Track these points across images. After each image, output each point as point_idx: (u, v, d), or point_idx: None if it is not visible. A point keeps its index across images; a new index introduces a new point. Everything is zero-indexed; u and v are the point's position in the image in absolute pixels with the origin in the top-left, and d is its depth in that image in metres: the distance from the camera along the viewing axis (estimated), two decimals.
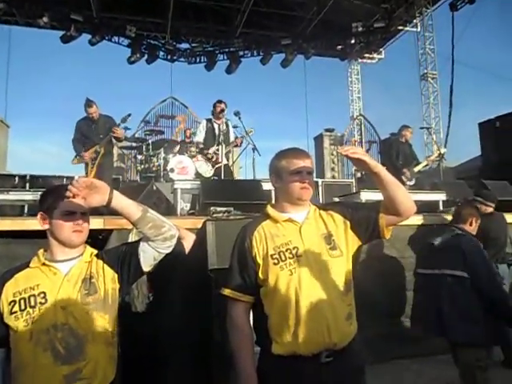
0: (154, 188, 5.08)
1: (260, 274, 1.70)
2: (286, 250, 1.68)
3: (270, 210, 1.81)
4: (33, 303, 1.56)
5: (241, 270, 1.72)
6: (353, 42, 12.66)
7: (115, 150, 11.77)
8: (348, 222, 1.76)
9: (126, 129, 10.12)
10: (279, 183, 1.80)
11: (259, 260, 1.70)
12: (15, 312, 1.55)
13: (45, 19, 10.35)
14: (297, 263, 1.66)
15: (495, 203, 4.49)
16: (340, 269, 1.70)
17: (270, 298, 1.67)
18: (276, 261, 1.67)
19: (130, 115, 6.02)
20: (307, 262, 1.66)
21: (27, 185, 5.87)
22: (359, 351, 1.74)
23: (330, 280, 1.67)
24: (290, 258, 1.67)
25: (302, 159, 1.76)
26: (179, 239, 2.64)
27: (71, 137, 6.15)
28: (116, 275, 1.66)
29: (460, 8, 10.55)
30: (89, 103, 5.98)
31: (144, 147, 8.03)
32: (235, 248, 1.78)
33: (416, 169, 6.81)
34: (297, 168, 1.74)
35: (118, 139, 6.20)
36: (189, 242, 2.83)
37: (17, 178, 6.02)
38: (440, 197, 5.37)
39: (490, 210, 4.43)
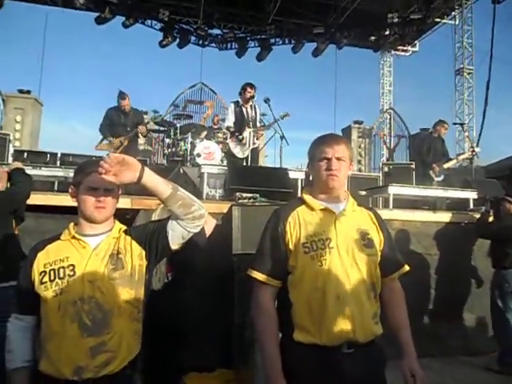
0: (181, 171, 5.11)
1: (290, 261, 1.67)
2: (319, 240, 1.65)
3: (306, 196, 1.78)
4: (62, 275, 1.58)
5: (272, 253, 1.70)
6: (387, 33, 12.35)
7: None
8: (382, 243, 1.76)
9: (155, 112, 10.29)
10: (311, 170, 1.79)
11: (291, 246, 1.67)
12: (45, 282, 1.58)
13: (81, 0, 10.49)
14: (328, 254, 1.63)
15: None
16: (371, 267, 1.68)
17: (297, 287, 1.65)
18: (307, 249, 1.64)
19: (160, 115, 6.50)
20: (339, 254, 1.63)
21: (58, 162, 6.01)
22: (381, 347, 1.71)
23: (360, 276, 1.64)
24: (321, 248, 1.63)
25: (332, 146, 1.73)
26: None
27: (100, 119, 6.32)
28: (143, 252, 1.67)
29: (503, 1, 10.13)
30: (122, 95, 6.25)
31: (172, 131, 8.06)
32: (267, 231, 1.75)
33: (446, 165, 6.65)
34: (324, 155, 1.72)
35: (142, 135, 6.54)
36: (210, 226, 2.85)
37: (48, 156, 6.18)
38: (471, 195, 5.23)
39: None
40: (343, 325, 1.58)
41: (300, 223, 1.69)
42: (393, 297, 1.79)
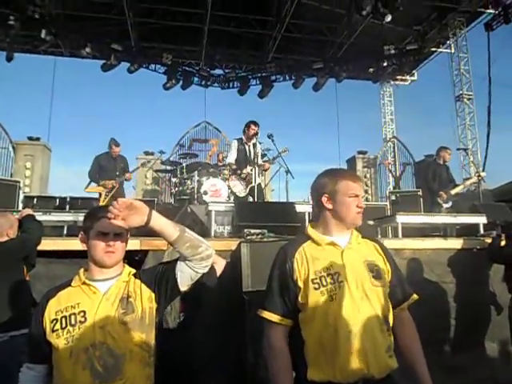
0: (189, 210, 5.15)
1: (300, 298, 1.65)
2: (328, 275, 1.63)
3: (311, 231, 1.78)
4: (73, 322, 1.59)
5: (281, 292, 1.68)
6: (385, 64, 12.61)
7: (149, 174, 12.21)
8: (390, 274, 1.76)
9: (162, 153, 10.47)
10: (332, 205, 1.75)
11: (300, 283, 1.66)
12: (57, 330, 1.59)
13: (87, 50, 10.91)
14: (338, 289, 1.61)
15: None
16: (381, 298, 1.65)
17: (309, 324, 1.63)
18: (317, 285, 1.62)
19: (149, 162, 7.32)
20: (348, 288, 1.61)
21: (67, 206, 6.09)
22: (397, 382, 1.66)
23: (372, 309, 1.61)
24: (331, 283, 1.62)
25: (357, 182, 1.76)
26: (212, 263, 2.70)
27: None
28: (153, 295, 1.67)
29: (496, 28, 10.38)
30: (117, 143, 6.93)
31: (178, 170, 8.18)
32: (275, 269, 1.74)
33: (453, 191, 6.62)
34: (355, 192, 1.73)
35: (127, 180, 7.20)
36: (220, 266, 2.86)
37: (58, 200, 6.27)
38: (480, 220, 5.17)
39: None
40: (357, 361, 1.54)
41: (307, 259, 1.68)
42: (404, 328, 1.76)
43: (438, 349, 4.08)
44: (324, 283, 1.62)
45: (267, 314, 1.68)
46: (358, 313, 1.59)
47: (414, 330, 1.78)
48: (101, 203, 6.29)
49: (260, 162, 6.64)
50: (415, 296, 1.81)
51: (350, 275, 1.63)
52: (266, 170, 6.69)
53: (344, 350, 1.54)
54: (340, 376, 1.54)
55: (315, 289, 1.62)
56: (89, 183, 6.81)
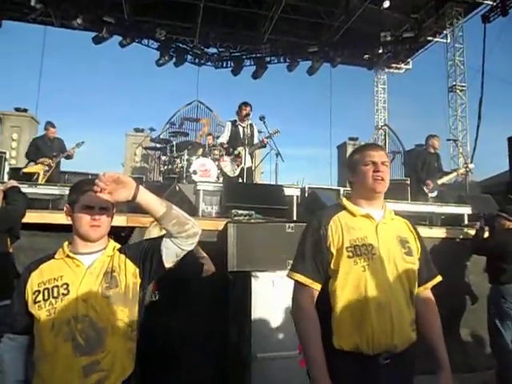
0: (177, 188, 5.13)
1: (332, 265, 1.67)
2: (362, 246, 1.65)
3: (346, 202, 1.79)
4: (56, 294, 1.58)
5: (314, 256, 1.69)
6: (380, 51, 12.57)
7: (139, 151, 12.10)
8: (419, 252, 1.79)
9: (152, 130, 10.36)
10: (354, 177, 1.79)
11: (333, 250, 1.67)
12: (39, 301, 1.58)
13: (79, 21, 10.66)
14: (370, 260, 1.63)
15: None
16: (410, 275, 1.69)
17: (338, 291, 1.64)
18: (351, 254, 1.64)
19: (83, 142, 7.26)
20: (381, 261, 1.64)
21: None
22: (413, 358, 1.72)
23: (401, 283, 1.65)
24: (364, 253, 1.64)
25: (377, 150, 1.76)
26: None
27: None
28: (137, 270, 1.67)
29: (492, 20, 10.36)
30: (53, 125, 7.18)
31: (168, 148, 8.12)
32: (308, 234, 1.74)
33: (440, 181, 6.68)
34: (371, 159, 1.73)
35: (70, 157, 7.23)
36: (208, 270, 2.91)
37: None
38: (465, 210, 5.26)
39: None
40: (384, 332, 1.59)
41: (342, 227, 1.69)
42: (426, 306, 1.80)
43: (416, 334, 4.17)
44: (358, 252, 1.64)
45: (298, 277, 1.69)
46: (388, 286, 1.62)
47: (435, 310, 1.82)
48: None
49: (256, 141, 6.64)
50: (439, 277, 1.85)
51: (383, 249, 1.66)
52: (263, 147, 6.66)
53: (372, 320, 1.59)
54: (366, 345, 1.58)
55: (349, 257, 1.64)
56: (27, 164, 7.02)
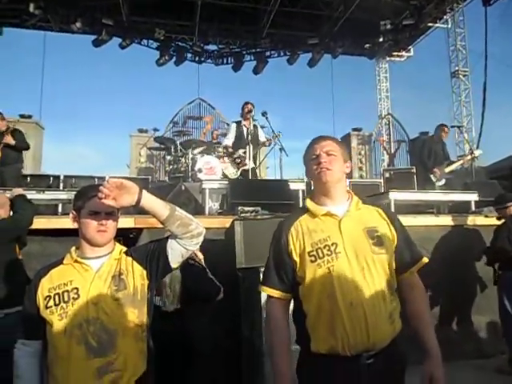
0: (183, 188, 5.16)
1: (298, 272, 1.65)
2: (324, 247, 1.61)
3: (309, 203, 1.75)
4: (66, 298, 1.61)
5: (277, 267, 1.69)
6: (381, 40, 12.46)
7: (143, 152, 12.14)
8: (396, 238, 1.70)
9: (155, 130, 10.38)
10: (308, 175, 1.78)
11: (296, 257, 1.65)
12: (50, 307, 1.61)
13: (78, 25, 10.67)
14: (335, 260, 1.59)
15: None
16: (384, 265, 1.62)
17: (308, 296, 1.63)
18: (313, 258, 1.61)
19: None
20: (347, 258, 1.59)
21: (61, 185, 6.08)
22: (401, 351, 1.65)
23: (372, 277, 1.59)
24: (327, 254, 1.60)
25: (319, 142, 1.73)
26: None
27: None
28: (144, 271, 1.70)
29: (493, 2, 10.22)
30: (2, 116, 6.47)
31: (172, 148, 8.14)
32: (272, 244, 1.75)
33: (447, 169, 6.66)
34: (313, 152, 1.71)
35: (12, 146, 6.45)
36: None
37: (51, 178, 6.25)
38: (472, 197, 5.23)
39: None
40: (358, 332, 1.54)
41: (303, 232, 1.67)
42: (412, 292, 1.73)
43: None
44: (320, 255, 1.60)
45: (266, 290, 1.70)
46: (358, 283, 1.57)
47: (423, 295, 1.75)
48: None
49: (262, 139, 6.67)
50: (425, 259, 1.76)
51: (347, 245, 1.61)
52: (267, 146, 6.70)
53: (345, 321, 1.54)
54: (342, 347, 1.54)
55: (311, 261, 1.61)
56: None
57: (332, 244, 1.61)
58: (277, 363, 1.63)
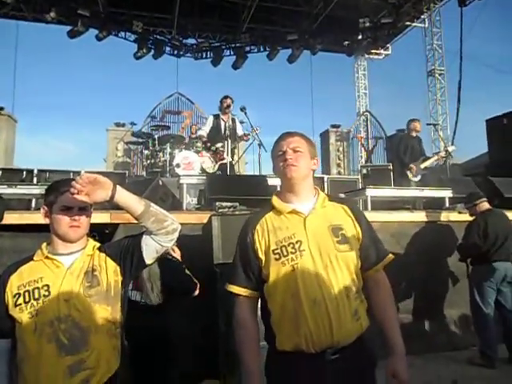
0: (160, 183, 5.09)
1: (263, 270, 1.65)
2: (289, 245, 1.60)
3: (274, 200, 1.73)
4: (37, 296, 1.58)
5: (243, 265, 1.68)
6: (360, 37, 12.59)
7: (120, 146, 11.96)
8: (360, 235, 1.69)
9: (133, 124, 10.23)
10: (275, 171, 1.76)
11: (261, 255, 1.64)
12: (20, 304, 1.57)
13: (52, 14, 10.39)
14: (299, 258, 1.58)
15: (480, 200, 4.42)
16: (348, 263, 1.62)
17: (272, 294, 1.63)
18: (277, 256, 1.61)
19: None
20: (311, 256, 1.59)
21: (34, 179, 5.93)
22: (369, 347, 1.65)
23: (335, 275, 1.58)
24: (292, 252, 1.59)
25: (285, 138, 1.71)
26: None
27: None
28: (118, 267, 1.68)
29: (469, 3, 10.43)
30: None
31: (150, 142, 8.04)
32: (238, 242, 1.74)
33: (423, 165, 6.77)
34: (280, 149, 1.70)
35: None
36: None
37: (24, 173, 6.09)
38: (446, 193, 5.36)
39: (486, 206, 4.39)
40: (321, 329, 1.54)
41: (269, 230, 1.66)
42: (378, 290, 1.72)
43: (401, 316, 4.26)
44: (285, 253, 1.60)
45: (232, 288, 1.69)
46: (322, 281, 1.57)
47: (388, 292, 1.74)
48: None
49: (240, 133, 6.65)
50: (391, 256, 1.76)
51: (312, 243, 1.60)
52: (245, 140, 6.68)
53: (308, 319, 1.55)
54: (306, 345, 1.54)
55: (276, 259, 1.61)
56: None
57: (296, 242, 1.61)
58: (246, 361, 1.63)
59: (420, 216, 4.81)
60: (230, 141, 6.27)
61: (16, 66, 12.44)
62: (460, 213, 4.86)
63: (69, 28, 11.08)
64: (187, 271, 2.90)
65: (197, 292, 2.88)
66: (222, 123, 6.49)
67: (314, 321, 1.54)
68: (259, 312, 1.73)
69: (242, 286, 1.68)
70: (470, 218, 4.44)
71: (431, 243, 4.63)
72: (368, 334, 1.65)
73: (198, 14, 11.83)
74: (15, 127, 11.85)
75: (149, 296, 2.77)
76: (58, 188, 1.66)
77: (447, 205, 5.29)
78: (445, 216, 4.86)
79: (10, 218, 3.56)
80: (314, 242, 1.61)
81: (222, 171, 6.33)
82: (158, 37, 12.33)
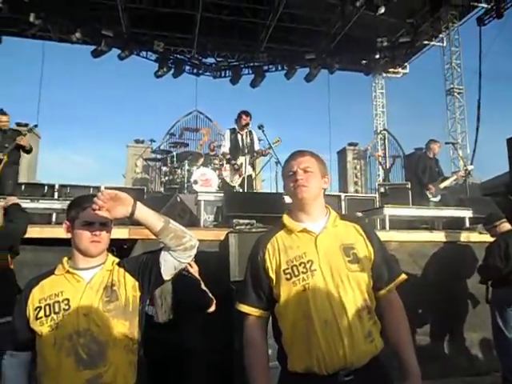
0: (178, 199, 5.15)
1: (274, 289, 1.63)
2: (300, 264, 1.59)
3: (286, 219, 1.72)
4: (57, 309, 1.60)
5: (254, 284, 1.67)
6: (377, 56, 12.62)
7: (139, 162, 12.15)
8: (372, 255, 1.67)
9: (152, 141, 10.40)
10: (285, 191, 1.76)
11: (272, 274, 1.63)
12: (40, 317, 1.60)
13: (77, 35, 10.75)
14: (311, 278, 1.56)
15: (500, 221, 4.31)
16: (360, 283, 1.59)
17: (283, 314, 1.61)
18: (289, 276, 1.59)
19: (36, 126, 6.91)
20: (322, 276, 1.57)
21: (56, 194, 6.05)
22: (384, 368, 1.61)
23: (348, 296, 1.55)
24: (303, 272, 1.58)
25: (295, 158, 1.71)
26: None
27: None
28: (137, 283, 1.70)
29: (487, 23, 10.41)
30: (3, 111, 6.24)
31: (169, 159, 8.16)
32: (249, 261, 1.73)
33: (442, 185, 6.71)
34: (290, 169, 1.70)
35: (24, 148, 6.30)
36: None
37: (46, 187, 6.22)
38: (466, 213, 5.27)
39: (506, 227, 4.28)
40: (334, 350, 1.51)
41: (280, 249, 1.65)
42: (391, 310, 1.69)
43: (417, 339, 4.17)
44: (296, 273, 1.58)
45: (242, 307, 1.68)
46: (333, 301, 1.54)
47: (401, 312, 1.70)
48: None
49: (257, 148, 6.61)
50: (404, 276, 1.73)
51: (323, 262, 1.59)
52: (264, 155, 6.63)
53: (320, 340, 1.52)
54: (318, 367, 1.51)
55: (287, 279, 1.59)
56: None
57: (308, 261, 1.59)
58: (255, 381, 1.61)
59: (439, 236, 4.73)
60: (248, 156, 6.27)
61: (42, 84, 12.79)
62: (481, 233, 4.76)
63: (92, 47, 11.45)
64: (203, 287, 2.90)
65: (213, 308, 2.87)
66: (240, 137, 6.48)
67: (326, 342, 1.52)
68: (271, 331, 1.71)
69: (252, 305, 1.67)
70: (491, 239, 4.35)
71: (450, 264, 4.55)
72: (384, 356, 1.62)
73: (218, 33, 12.09)
74: (38, 143, 12.16)
75: (157, 313, 2.77)
76: (80, 204, 1.70)
77: (467, 225, 5.20)
78: (465, 236, 4.77)
79: (32, 232, 3.64)
80: (326, 261, 1.59)
81: (242, 186, 6.34)
82: (178, 56, 12.61)
